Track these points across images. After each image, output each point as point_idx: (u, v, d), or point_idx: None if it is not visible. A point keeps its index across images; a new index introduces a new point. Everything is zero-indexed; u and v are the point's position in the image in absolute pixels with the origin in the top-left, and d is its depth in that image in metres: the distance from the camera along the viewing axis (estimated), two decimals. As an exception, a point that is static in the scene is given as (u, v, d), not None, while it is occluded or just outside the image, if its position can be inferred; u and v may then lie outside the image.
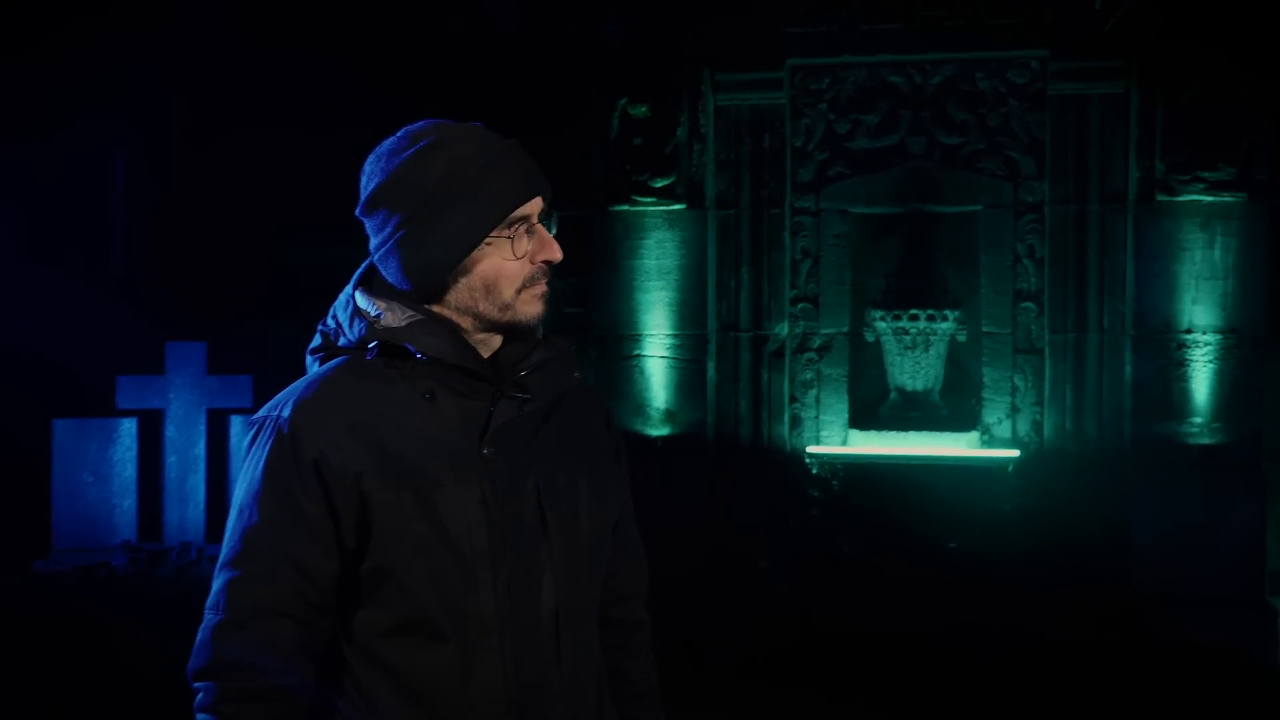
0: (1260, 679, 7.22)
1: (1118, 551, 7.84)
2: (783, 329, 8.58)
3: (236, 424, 8.48)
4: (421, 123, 2.11)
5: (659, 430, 8.48)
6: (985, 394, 8.31)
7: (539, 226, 2.10)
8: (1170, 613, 7.51)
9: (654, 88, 8.47)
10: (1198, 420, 7.85)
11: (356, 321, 2.09)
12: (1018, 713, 6.50)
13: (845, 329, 8.49)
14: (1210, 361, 7.85)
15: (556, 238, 2.12)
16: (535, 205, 2.09)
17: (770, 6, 8.35)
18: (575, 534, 2.12)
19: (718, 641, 7.13)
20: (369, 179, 2.10)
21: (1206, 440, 7.83)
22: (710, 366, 8.58)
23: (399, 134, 2.11)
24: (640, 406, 8.50)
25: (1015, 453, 8.11)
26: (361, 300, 2.10)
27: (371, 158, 2.11)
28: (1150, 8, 7.79)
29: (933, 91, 8.32)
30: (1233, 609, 7.59)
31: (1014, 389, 8.27)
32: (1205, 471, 7.78)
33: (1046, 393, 8.23)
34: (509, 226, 2.06)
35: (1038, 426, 8.24)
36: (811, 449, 8.39)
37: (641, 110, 8.47)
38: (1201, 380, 7.85)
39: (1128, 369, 8.02)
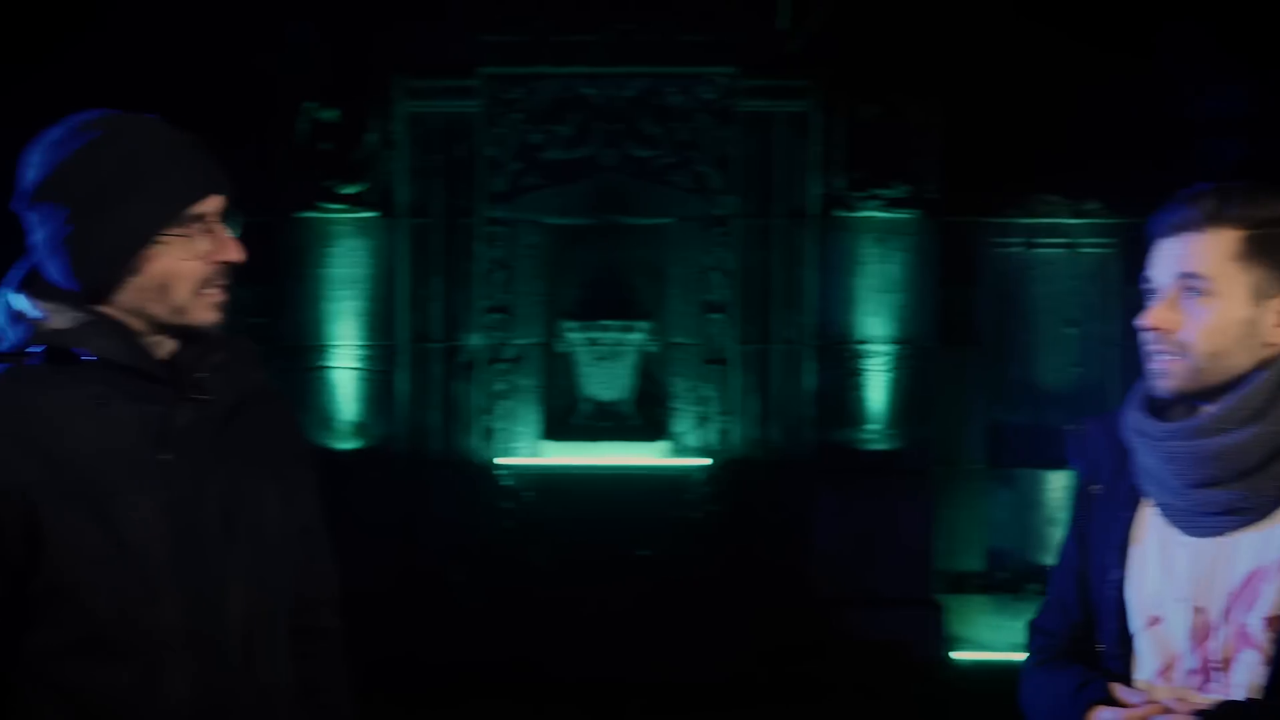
0: (929, 670, 7.64)
1: (799, 554, 8.10)
2: (476, 340, 8.50)
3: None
4: (91, 112, 1.98)
5: (347, 444, 8.26)
6: (675, 404, 8.45)
7: (217, 226, 1.99)
8: (849, 612, 7.81)
9: (344, 92, 8.25)
10: (874, 427, 8.20)
11: (17, 325, 1.94)
12: (701, 715, 6.62)
13: (538, 340, 8.48)
14: (885, 371, 8.21)
15: (239, 242, 2.01)
16: (214, 203, 1.98)
17: (465, 14, 8.27)
18: (262, 540, 2.04)
19: (408, 660, 6.97)
20: (31, 170, 1.94)
21: (882, 446, 8.18)
22: (401, 378, 8.42)
23: (65, 123, 1.96)
24: (328, 419, 8.26)
25: (705, 461, 8.27)
26: (22, 302, 1.95)
27: (34, 147, 1.96)
28: (833, 31, 8.10)
29: (625, 105, 8.41)
30: (904, 606, 7.96)
31: (703, 398, 8.44)
32: (880, 476, 8.13)
33: (734, 402, 8.44)
34: (185, 225, 1.95)
35: (725, 435, 8.43)
36: (503, 460, 8.34)
37: (331, 115, 8.23)
38: (877, 389, 8.21)
39: (810, 378, 8.31)
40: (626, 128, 8.41)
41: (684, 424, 8.44)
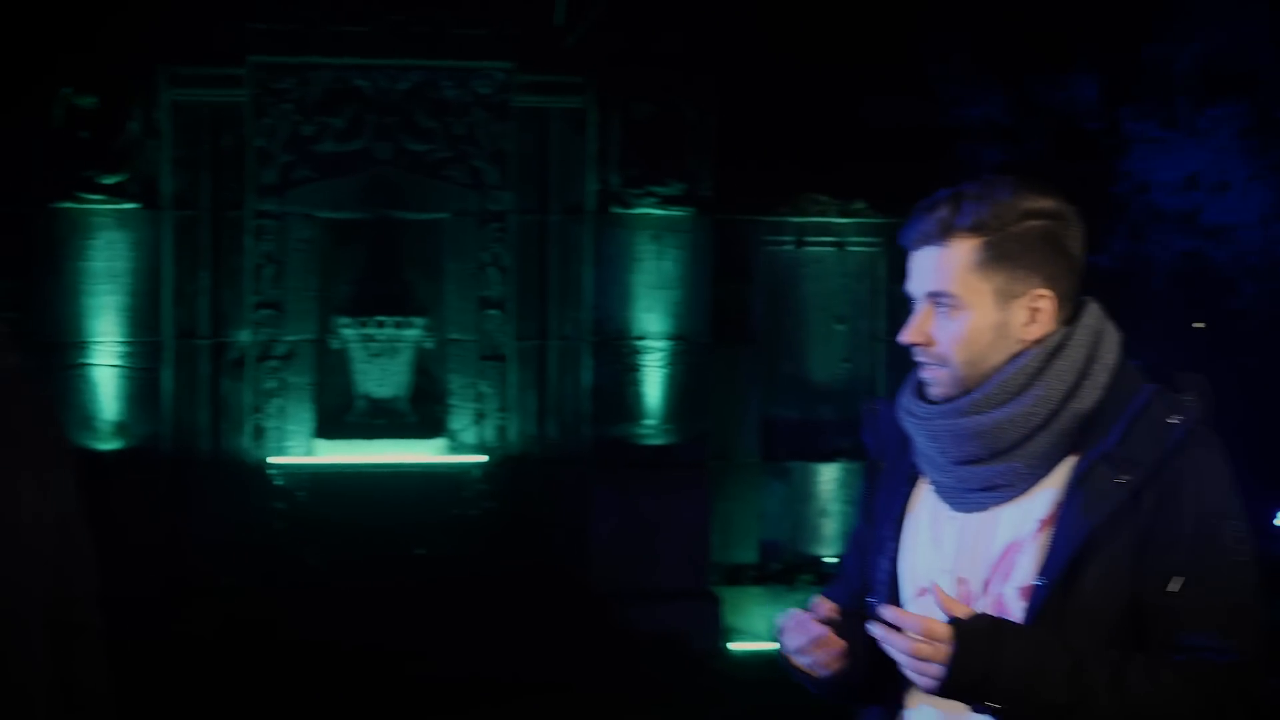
0: (707, 661, 7.76)
1: (578, 550, 8.13)
2: (245, 336, 8.27)
3: None
4: None
5: (109, 444, 7.95)
6: (452, 400, 8.38)
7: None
8: (626, 606, 7.87)
9: (103, 78, 7.92)
10: (651, 422, 8.28)
11: None
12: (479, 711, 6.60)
13: (311, 336, 8.30)
14: (661, 367, 8.29)
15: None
16: None
17: (234, 1, 8.02)
18: (14, 533, 1.97)
19: (172, 670, 6.74)
20: None
21: (659, 441, 8.27)
22: (166, 375, 8.14)
23: None
24: (88, 419, 7.92)
25: (482, 458, 8.24)
26: None
27: None
28: (608, 29, 8.15)
29: (400, 97, 8.29)
30: (682, 599, 8.08)
31: (480, 395, 8.39)
32: (658, 471, 8.21)
33: (511, 398, 8.41)
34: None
35: (503, 431, 8.40)
36: (275, 460, 8.14)
37: (89, 101, 7.89)
38: (654, 385, 8.29)
39: (587, 374, 8.35)
40: (401, 121, 8.29)
41: (461, 421, 8.38)
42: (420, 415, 8.36)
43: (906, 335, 2.02)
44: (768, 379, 8.96)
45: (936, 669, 1.81)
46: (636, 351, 8.29)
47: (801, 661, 2.03)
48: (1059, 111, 10.00)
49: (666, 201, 8.27)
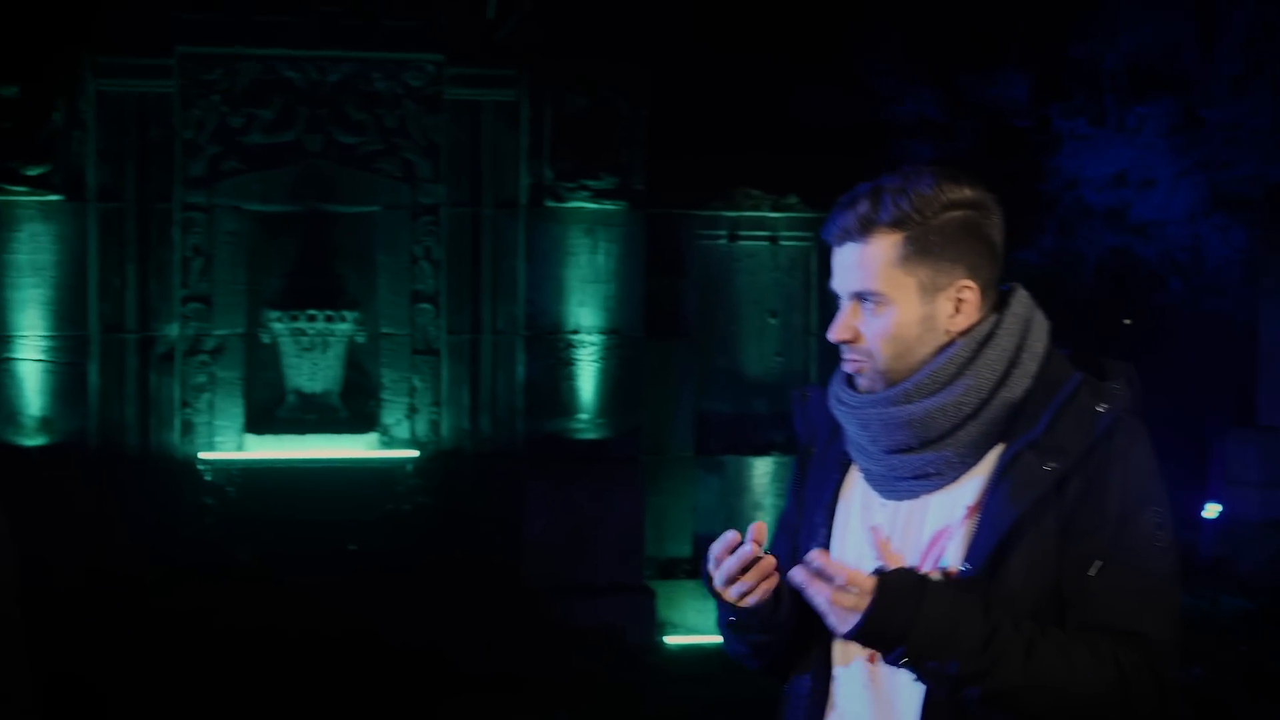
0: (642, 655, 7.75)
1: (512, 545, 8.10)
2: (173, 330, 8.16)
3: None
4: None
5: (34, 440, 7.82)
6: (384, 395, 8.32)
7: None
8: (560, 600, 7.86)
9: (25, 67, 7.77)
10: (584, 417, 8.26)
11: None
12: (415, 707, 6.55)
13: (241, 330, 8.20)
14: (595, 361, 8.28)
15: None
16: None
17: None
18: None
19: (101, 670, 6.64)
20: None
21: (593, 436, 8.25)
22: (92, 370, 8.01)
23: None
24: (12, 415, 7.80)
25: (414, 453, 8.18)
26: None
27: None
28: (539, 21, 8.11)
29: (330, 89, 8.20)
30: (616, 593, 8.07)
31: (412, 389, 8.33)
32: (591, 465, 8.20)
33: (444, 393, 8.36)
34: None
35: (435, 426, 8.35)
36: (204, 455, 8.04)
37: (11, 91, 7.74)
38: (588, 379, 8.27)
39: (520, 369, 8.31)
40: (331, 113, 8.20)
41: (393, 416, 8.31)
42: (352, 410, 8.29)
43: (834, 333, 2.03)
44: (701, 373, 8.97)
45: (854, 617, 1.82)
46: (570, 346, 8.27)
47: (731, 593, 1.99)
48: (989, 108, 10.09)
49: (599, 195, 8.24)
